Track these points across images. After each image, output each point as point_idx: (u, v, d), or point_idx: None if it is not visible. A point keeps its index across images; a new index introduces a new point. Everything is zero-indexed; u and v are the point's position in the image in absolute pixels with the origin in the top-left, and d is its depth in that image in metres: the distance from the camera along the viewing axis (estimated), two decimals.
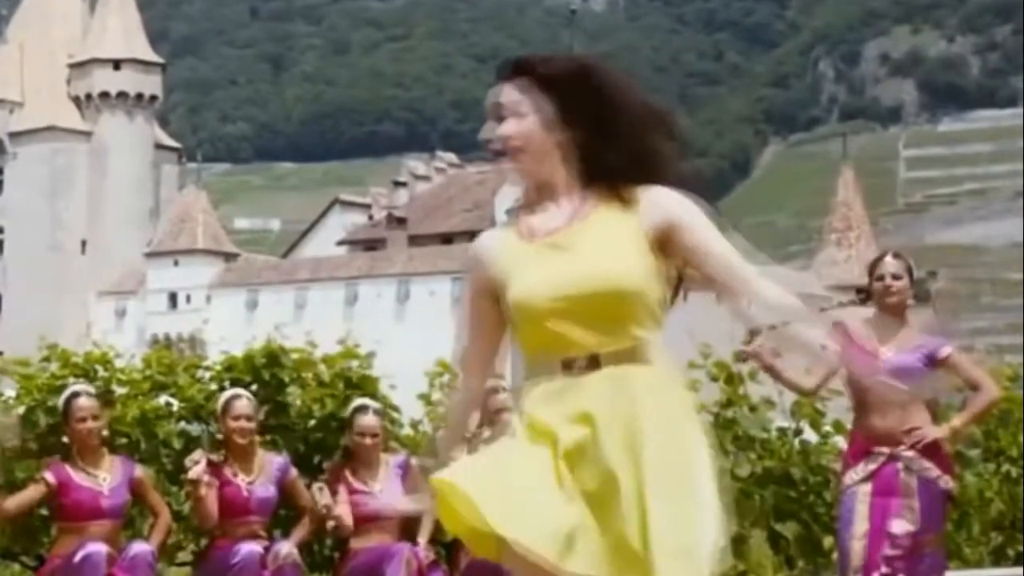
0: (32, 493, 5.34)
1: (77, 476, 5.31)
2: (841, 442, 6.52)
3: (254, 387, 6.38)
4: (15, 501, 5.37)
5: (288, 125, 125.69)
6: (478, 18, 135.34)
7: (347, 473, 5.68)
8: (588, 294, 2.32)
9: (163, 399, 6.59)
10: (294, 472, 5.74)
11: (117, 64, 63.26)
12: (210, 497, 5.42)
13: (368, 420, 5.70)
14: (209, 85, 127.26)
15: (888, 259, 4.83)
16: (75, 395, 5.43)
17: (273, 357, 6.61)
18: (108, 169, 62.47)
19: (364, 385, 6.63)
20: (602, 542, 2.24)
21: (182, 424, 6.51)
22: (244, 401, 5.62)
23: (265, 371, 6.56)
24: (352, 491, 5.58)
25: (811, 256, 63.83)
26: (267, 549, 5.46)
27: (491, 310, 2.44)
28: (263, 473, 5.58)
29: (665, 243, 2.38)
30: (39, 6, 65.54)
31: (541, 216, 2.40)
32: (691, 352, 6.14)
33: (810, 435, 7.15)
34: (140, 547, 5.28)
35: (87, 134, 63.44)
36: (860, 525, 4.70)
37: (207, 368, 6.76)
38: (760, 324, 2.44)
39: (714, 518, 2.27)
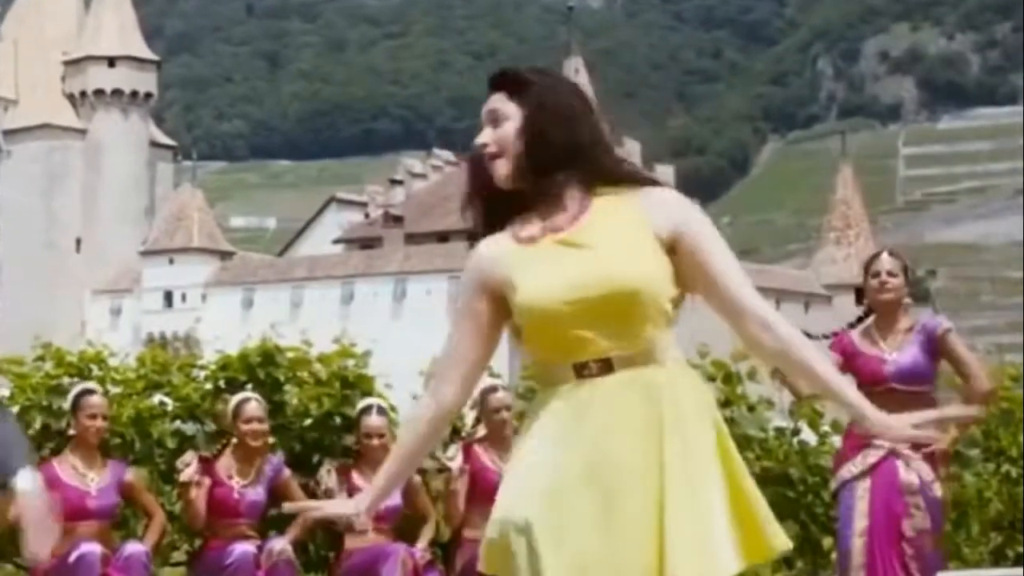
0: None
1: (65, 475, 5.30)
2: (839, 442, 6.50)
3: (249, 386, 6.37)
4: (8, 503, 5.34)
5: (284, 123, 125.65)
6: (475, 15, 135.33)
7: (354, 474, 5.69)
8: (606, 294, 2.27)
9: (157, 398, 6.57)
10: (287, 472, 5.73)
11: (112, 61, 63.16)
12: (199, 499, 5.43)
13: (375, 421, 5.72)
14: (204, 82, 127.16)
15: (883, 257, 4.78)
16: (89, 391, 5.45)
17: (268, 356, 6.60)
18: (103, 167, 62.37)
19: (360, 384, 6.62)
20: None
21: (176, 423, 6.50)
22: (254, 404, 5.63)
23: (260, 370, 6.56)
24: (352, 489, 5.56)
25: (810, 254, 63.87)
26: (261, 548, 5.46)
27: (487, 315, 2.38)
28: (258, 476, 5.58)
29: (673, 251, 2.35)
30: (34, 3, 65.43)
31: (539, 219, 2.37)
32: (690, 351, 6.12)
33: (808, 435, 7.13)
34: (134, 547, 5.27)
35: (82, 132, 63.34)
36: (860, 522, 4.65)
37: (202, 367, 6.74)
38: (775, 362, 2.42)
39: (727, 543, 2.27)
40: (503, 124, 2.38)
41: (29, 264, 59.58)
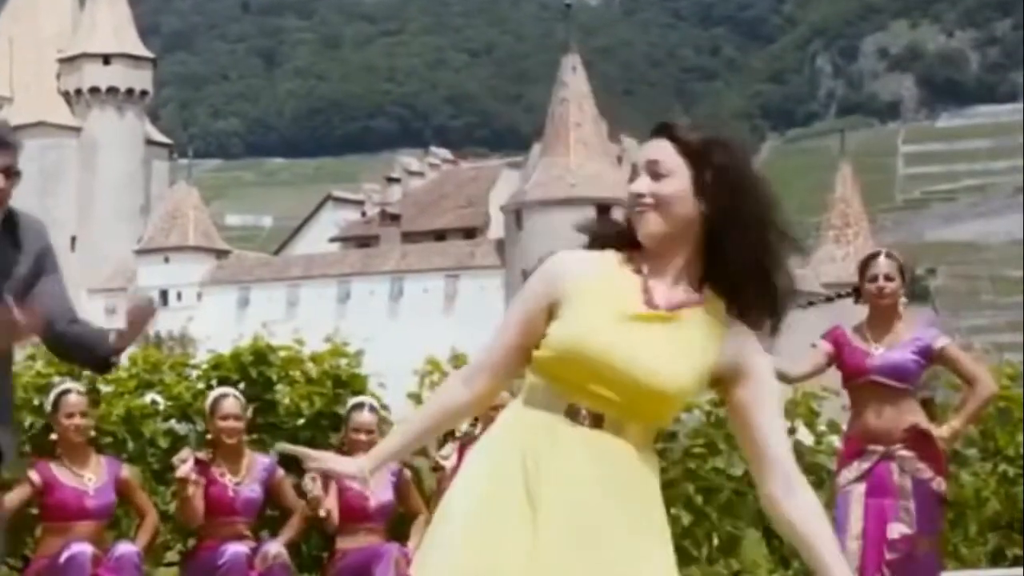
0: (19, 494, 5.30)
1: (62, 475, 5.30)
2: (836, 442, 6.48)
3: (241, 385, 6.35)
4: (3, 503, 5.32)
5: (280, 120, 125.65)
6: (472, 12, 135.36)
7: None
8: (639, 382, 2.26)
9: (149, 397, 6.54)
10: (281, 472, 5.72)
11: (107, 59, 63.12)
12: (196, 497, 5.42)
13: (364, 417, 5.71)
14: (200, 80, 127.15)
15: (881, 260, 4.76)
16: (66, 391, 5.44)
17: (260, 355, 6.58)
18: (98, 165, 62.35)
19: (352, 383, 6.60)
20: None
21: (169, 423, 6.46)
22: (232, 400, 5.61)
23: (252, 369, 6.53)
24: (342, 488, 5.55)
25: (809, 253, 63.88)
26: (254, 550, 5.45)
27: (540, 322, 2.33)
28: (250, 473, 5.57)
29: (729, 383, 2.34)
30: (29, 0, 65.37)
31: (649, 281, 2.31)
32: None
33: (804, 435, 7.11)
34: (126, 547, 5.26)
35: (77, 130, 63.32)
36: (856, 525, 4.68)
37: (193, 366, 6.71)
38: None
39: None
40: (666, 179, 2.29)
41: None
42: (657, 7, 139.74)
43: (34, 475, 5.29)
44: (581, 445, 2.26)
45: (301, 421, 6.50)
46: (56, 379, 6.17)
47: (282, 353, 6.67)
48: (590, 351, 2.25)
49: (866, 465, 4.69)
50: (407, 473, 5.78)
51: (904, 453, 4.66)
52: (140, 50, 64.87)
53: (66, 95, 63.80)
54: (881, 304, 4.73)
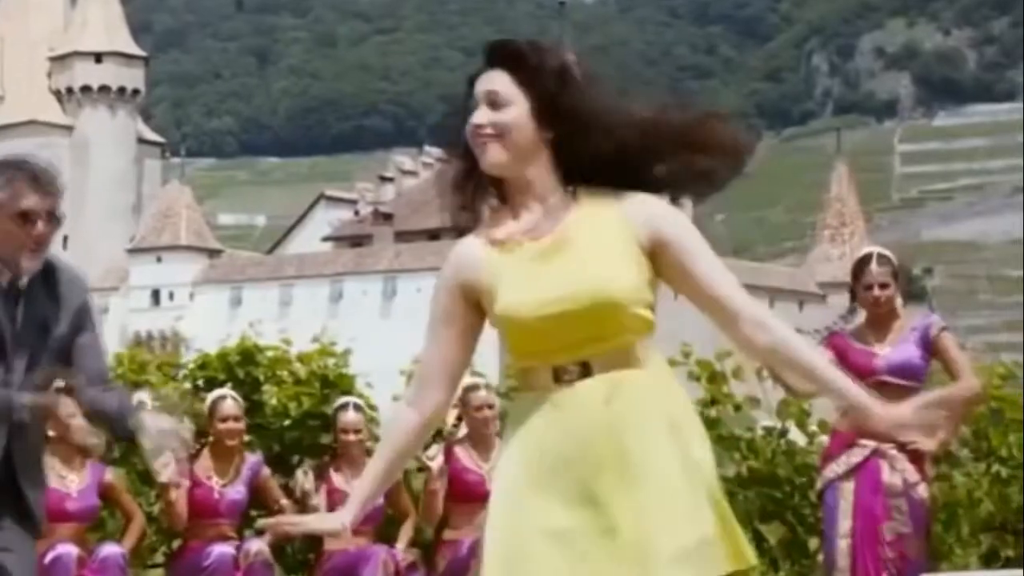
0: None
1: None
2: (827, 442, 6.43)
3: (229, 385, 6.31)
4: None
5: (274, 119, 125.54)
6: (467, 10, 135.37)
7: (331, 472, 5.68)
8: (581, 306, 2.24)
9: (136, 398, 6.47)
10: (266, 471, 5.72)
11: (99, 57, 62.99)
12: (180, 499, 5.42)
13: (351, 416, 5.71)
14: (193, 79, 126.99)
15: (873, 267, 4.70)
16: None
17: (248, 355, 6.58)
18: (90, 164, 62.23)
19: (340, 383, 6.58)
20: None
21: None
22: (231, 402, 5.63)
23: (240, 369, 6.52)
24: (332, 490, 5.56)
25: (804, 252, 63.88)
26: (239, 549, 5.45)
27: (466, 317, 2.35)
28: (238, 475, 5.57)
29: (655, 257, 2.30)
30: None
31: (520, 220, 2.31)
32: (673, 351, 6.04)
33: (796, 435, 7.09)
34: (110, 549, 5.25)
35: (68, 128, 63.18)
36: (844, 523, 4.66)
37: (180, 367, 6.68)
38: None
39: (711, 550, 2.30)
40: (505, 108, 2.28)
41: None
42: (652, 5, 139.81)
43: None
44: (585, 402, 2.26)
45: (288, 421, 6.51)
46: None
47: (269, 353, 6.70)
48: (525, 312, 2.26)
49: (855, 460, 4.66)
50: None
51: (894, 452, 4.64)
52: (132, 48, 64.75)
53: (57, 94, 63.66)
54: (877, 313, 4.72)
